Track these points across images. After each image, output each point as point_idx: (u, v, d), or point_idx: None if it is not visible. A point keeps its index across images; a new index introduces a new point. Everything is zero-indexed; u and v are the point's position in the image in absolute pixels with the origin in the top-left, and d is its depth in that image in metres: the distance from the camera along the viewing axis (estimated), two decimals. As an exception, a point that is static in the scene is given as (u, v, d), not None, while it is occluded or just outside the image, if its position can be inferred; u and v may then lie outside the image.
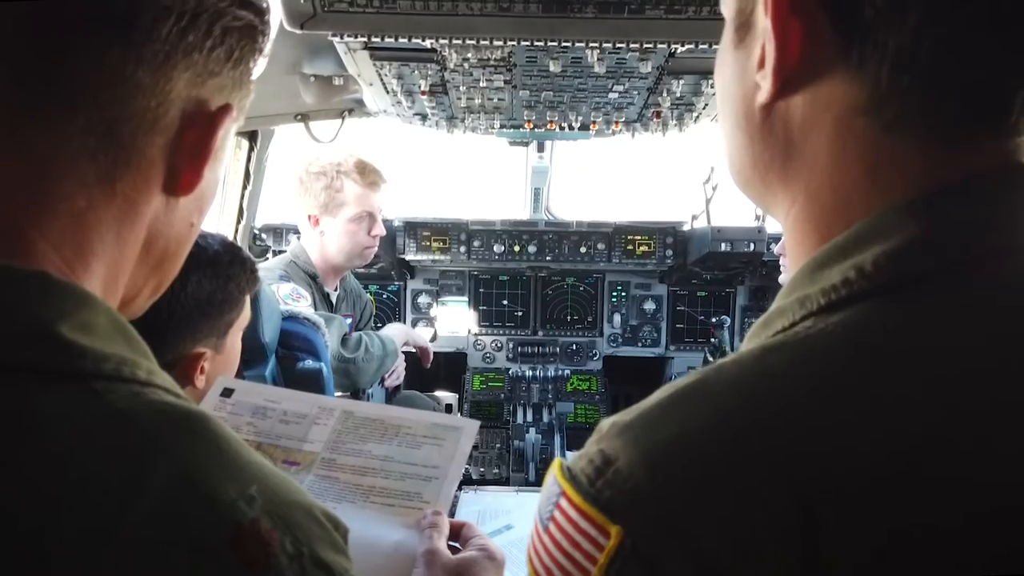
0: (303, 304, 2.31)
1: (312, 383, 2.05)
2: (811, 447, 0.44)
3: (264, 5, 0.64)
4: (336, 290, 2.77)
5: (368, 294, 3.18)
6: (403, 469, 1.07)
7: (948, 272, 0.50)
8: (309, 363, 2.07)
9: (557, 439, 3.17)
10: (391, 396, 2.98)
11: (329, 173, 2.60)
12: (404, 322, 3.50)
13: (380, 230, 2.70)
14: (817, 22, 0.52)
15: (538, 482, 2.97)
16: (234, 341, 1.39)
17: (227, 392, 1.12)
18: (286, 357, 2.04)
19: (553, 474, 0.50)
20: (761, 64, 0.55)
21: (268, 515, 0.51)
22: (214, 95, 0.61)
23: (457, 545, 1.05)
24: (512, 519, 2.54)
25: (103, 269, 0.59)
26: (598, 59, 1.82)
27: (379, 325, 3.21)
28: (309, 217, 2.62)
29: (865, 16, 0.50)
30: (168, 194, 0.61)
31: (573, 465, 0.49)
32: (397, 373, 2.86)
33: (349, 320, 2.71)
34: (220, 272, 1.27)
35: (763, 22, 0.54)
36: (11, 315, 0.51)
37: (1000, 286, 0.50)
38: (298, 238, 2.74)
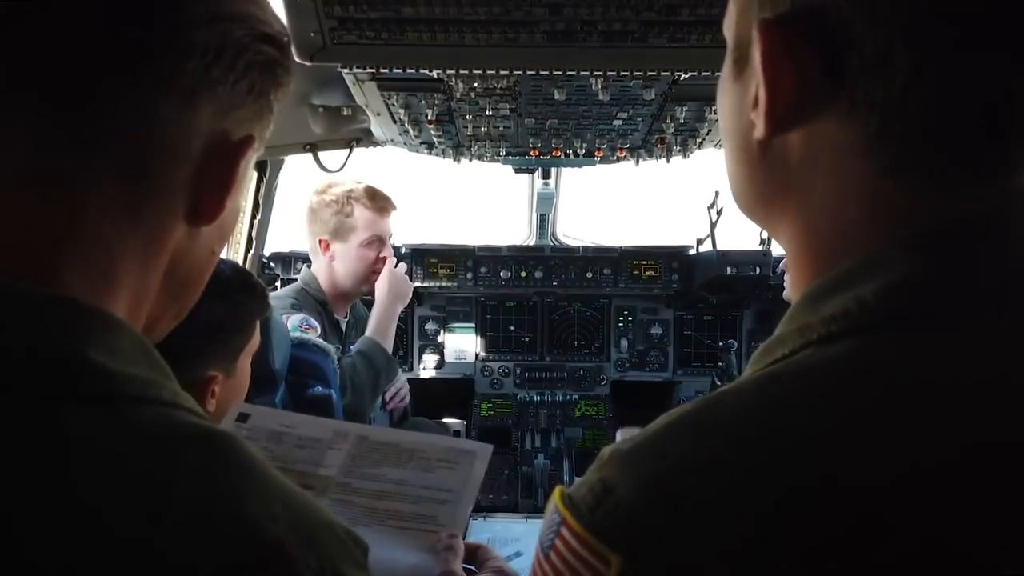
0: (313, 334, 2.33)
1: (322, 410, 2.06)
2: (816, 478, 0.45)
3: (285, 40, 0.66)
4: (346, 317, 2.79)
5: None
6: (418, 493, 1.08)
7: (949, 308, 0.50)
8: (319, 390, 2.08)
9: (566, 464, 3.17)
10: (398, 423, 2.97)
11: (340, 199, 2.64)
12: (411, 349, 3.50)
13: (390, 254, 2.73)
14: (808, 67, 0.52)
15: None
16: (244, 365, 1.41)
17: (243, 417, 1.14)
18: (296, 384, 2.06)
19: (554, 502, 0.51)
20: (755, 104, 0.56)
21: (292, 532, 0.52)
22: (236, 127, 0.63)
23: (473, 568, 1.05)
24: (521, 546, 2.54)
25: (128, 296, 0.60)
26: (602, 87, 1.85)
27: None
28: (320, 242, 2.65)
29: (853, 66, 0.51)
30: (191, 223, 0.63)
31: (574, 493, 0.50)
32: (401, 395, 2.84)
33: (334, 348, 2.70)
34: (231, 297, 1.29)
35: (756, 59, 0.55)
36: (40, 339, 0.52)
37: (1002, 324, 0.49)
38: (308, 266, 2.76)
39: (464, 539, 1.06)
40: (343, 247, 2.64)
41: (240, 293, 1.33)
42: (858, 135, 0.52)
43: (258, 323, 1.42)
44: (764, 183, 0.60)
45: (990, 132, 0.51)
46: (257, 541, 0.50)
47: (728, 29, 0.61)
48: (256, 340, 1.41)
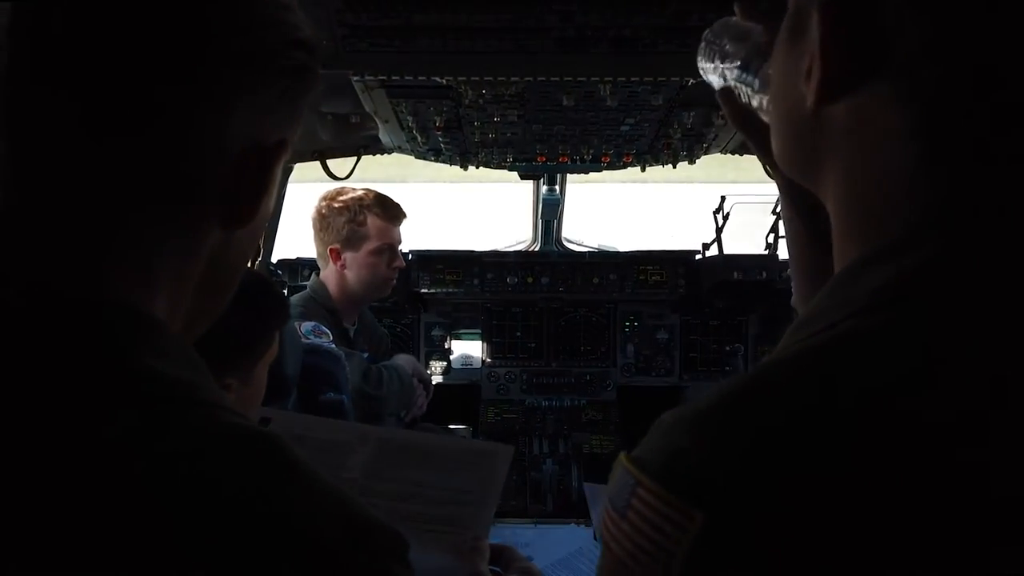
0: (326, 340, 2.34)
1: (333, 416, 2.06)
2: (889, 432, 0.47)
3: (315, 45, 0.67)
4: (354, 325, 2.80)
5: (384, 329, 3.20)
6: (440, 495, 1.09)
7: (985, 280, 0.52)
8: (331, 396, 2.09)
9: (574, 469, 3.17)
10: (408, 427, 2.98)
11: (352, 208, 2.65)
12: (418, 356, 3.51)
13: (401, 263, 2.76)
14: (861, 51, 0.55)
15: (556, 513, 2.96)
16: (261, 374, 1.42)
17: (264, 422, 1.14)
18: (307, 390, 2.06)
19: (623, 466, 0.52)
20: (808, 76, 0.58)
21: (341, 531, 0.53)
22: (270, 132, 0.64)
23: (498, 569, 1.06)
24: (531, 551, 2.53)
25: (166, 299, 0.61)
26: (610, 93, 1.87)
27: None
28: (330, 251, 2.66)
29: (900, 54, 0.53)
30: (225, 227, 0.64)
31: (644, 456, 0.52)
32: (420, 403, 2.87)
33: (366, 355, 2.73)
34: (253, 306, 1.29)
35: (814, 33, 0.56)
36: (90, 344, 0.53)
37: None
38: (316, 274, 2.77)
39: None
40: (354, 255, 2.66)
41: (262, 303, 1.34)
42: (900, 119, 0.55)
43: (278, 333, 1.43)
44: (811, 148, 0.62)
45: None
46: (308, 540, 0.51)
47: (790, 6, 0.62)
48: (274, 350, 1.42)
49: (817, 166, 0.62)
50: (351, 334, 2.75)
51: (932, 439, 0.47)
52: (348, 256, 2.65)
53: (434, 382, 3.43)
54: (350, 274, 2.67)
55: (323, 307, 2.62)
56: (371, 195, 2.71)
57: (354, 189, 2.74)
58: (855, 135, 0.58)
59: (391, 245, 2.71)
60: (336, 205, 2.66)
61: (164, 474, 0.50)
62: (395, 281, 2.81)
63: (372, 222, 2.66)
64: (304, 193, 3.29)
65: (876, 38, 0.54)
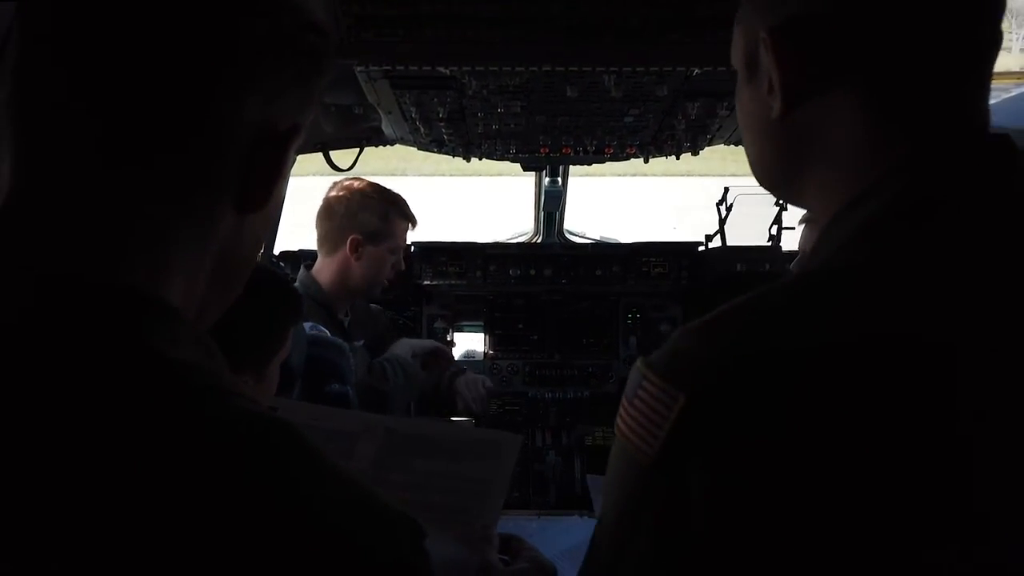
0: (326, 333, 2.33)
1: (339, 407, 2.06)
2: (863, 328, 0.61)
3: (329, 29, 0.66)
4: (347, 315, 2.77)
5: (378, 307, 3.17)
6: (448, 484, 1.09)
7: (950, 208, 0.65)
8: (336, 387, 2.08)
9: (577, 461, 3.17)
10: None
11: (384, 202, 2.67)
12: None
13: (402, 266, 2.78)
14: (809, 54, 0.69)
15: (559, 505, 2.96)
16: (273, 371, 1.42)
17: (271, 411, 1.14)
18: (312, 382, 2.06)
19: (636, 367, 0.66)
20: (770, 89, 0.72)
21: (359, 520, 0.53)
22: (283, 116, 0.64)
23: (507, 559, 1.05)
24: (534, 543, 2.53)
25: (180, 284, 0.61)
26: (615, 83, 1.86)
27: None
28: (351, 240, 2.60)
29: (842, 51, 0.68)
30: (239, 211, 0.64)
31: (652, 358, 0.65)
32: (477, 395, 2.95)
33: (360, 343, 2.70)
34: (268, 304, 1.29)
35: (765, 58, 0.71)
36: (102, 329, 0.53)
37: (989, 220, 0.65)
38: (306, 267, 2.73)
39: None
40: (373, 250, 2.64)
41: (278, 302, 1.34)
42: (858, 97, 0.68)
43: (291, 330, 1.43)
44: (785, 155, 0.75)
45: (945, 86, 0.68)
46: (324, 528, 0.51)
47: (737, 52, 0.77)
48: (288, 347, 1.42)
49: (793, 169, 0.75)
50: (345, 325, 2.73)
51: (894, 356, 0.59)
52: (367, 249, 2.64)
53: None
54: (362, 267, 2.64)
55: (315, 302, 2.59)
56: (399, 197, 2.73)
57: (378, 184, 2.75)
58: (820, 128, 0.70)
59: (404, 248, 2.75)
60: (371, 197, 2.65)
61: (178, 461, 0.50)
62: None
63: (399, 223, 2.68)
64: (303, 186, 3.29)
65: (819, 43, 0.68)
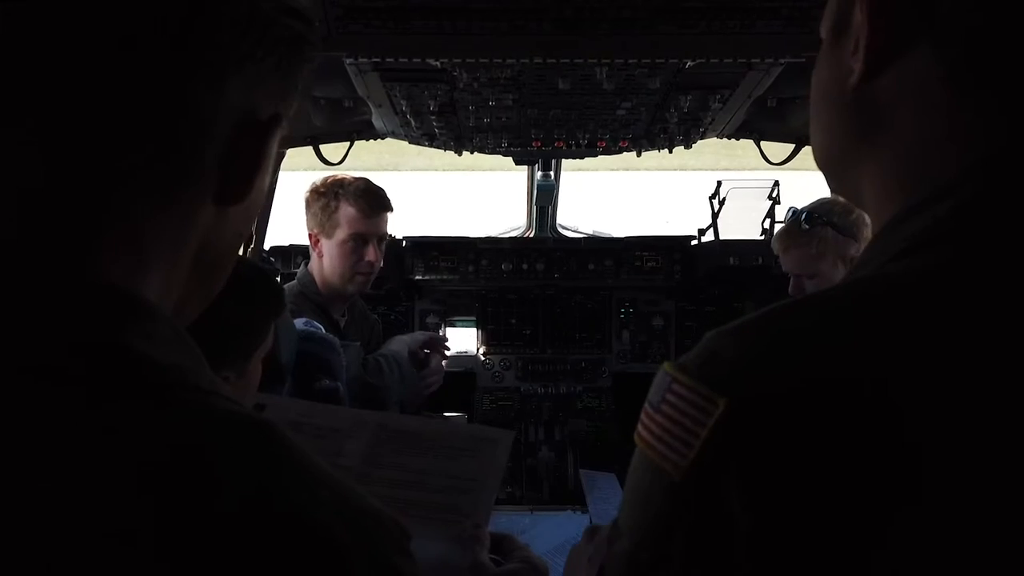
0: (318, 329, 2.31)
1: (329, 403, 2.05)
2: (903, 349, 0.53)
3: (311, 15, 0.65)
4: (344, 316, 2.75)
5: (375, 316, 3.16)
6: (440, 482, 1.07)
7: (1016, 222, 0.56)
8: (326, 383, 2.07)
9: (570, 456, 3.16)
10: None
11: (328, 193, 2.57)
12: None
13: (372, 257, 2.60)
14: (904, 10, 0.61)
15: (553, 501, 2.95)
16: (256, 366, 1.40)
17: (259, 408, 1.13)
18: (302, 378, 2.05)
19: (663, 370, 0.59)
20: (855, 50, 0.63)
21: (341, 521, 0.51)
22: (264, 105, 0.62)
23: (498, 557, 1.04)
24: (527, 539, 2.52)
25: (159, 279, 0.59)
26: (607, 76, 1.85)
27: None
28: (310, 236, 2.61)
29: (944, 7, 0.59)
30: (219, 204, 0.62)
31: (682, 360, 0.58)
32: (431, 381, 2.85)
33: (357, 343, 2.69)
34: (249, 298, 1.27)
35: (858, 17, 0.63)
36: (76, 324, 0.51)
37: None
38: (306, 264, 2.72)
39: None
40: (328, 243, 2.58)
41: (258, 294, 1.32)
42: (944, 67, 0.60)
43: (273, 325, 1.40)
44: (854, 127, 0.67)
45: None
46: (307, 531, 0.49)
47: (827, 15, 0.70)
48: (269, 341, 1.40)
49: (857, 145, 0.68)
50: (341, 326, 2.70)
51: (938, 370, 0.52)
52: (324, 244, 2.59)
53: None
54: (326, 263, 2.60)
55: (311, 301, 2.56)
56: (356, 183, 2.60)
57: (345, 175, 2.66)
58: (896, 102, 0.62)
59: (362, 235, 2.56)
60: (321, 190, 2.59)
61: (154, 463, 0.48)
62: (368, 277, 2.65)
63: (344, 209, 2.55)
64: (294, 181, 3.26)
65: (916, 4, 0.60)
